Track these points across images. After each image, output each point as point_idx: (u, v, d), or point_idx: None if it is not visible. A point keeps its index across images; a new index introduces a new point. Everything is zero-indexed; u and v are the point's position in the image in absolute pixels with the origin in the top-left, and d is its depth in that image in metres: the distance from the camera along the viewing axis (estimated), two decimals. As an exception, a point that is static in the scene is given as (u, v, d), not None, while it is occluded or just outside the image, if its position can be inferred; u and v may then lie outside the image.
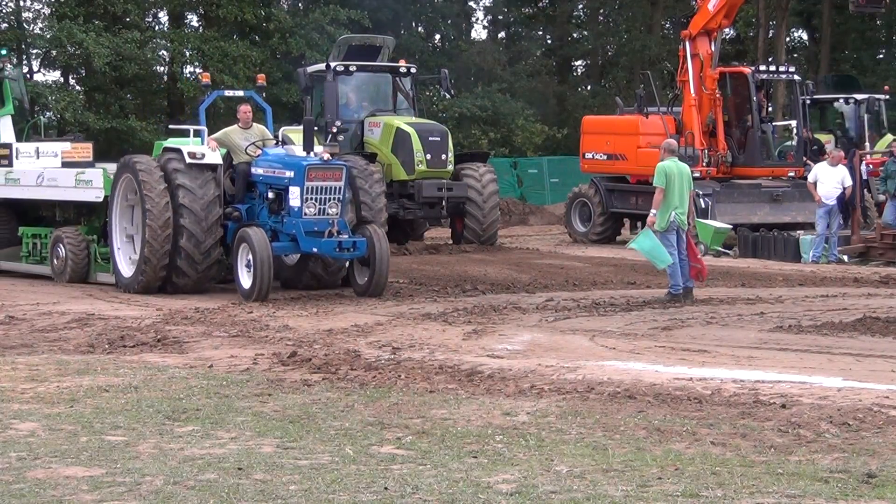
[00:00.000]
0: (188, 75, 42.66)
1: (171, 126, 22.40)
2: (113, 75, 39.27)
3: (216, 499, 7.28)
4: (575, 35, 55.65)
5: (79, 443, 8.77)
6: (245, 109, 18.93)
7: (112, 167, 20.23)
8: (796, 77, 29.39)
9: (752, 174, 27.87)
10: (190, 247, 18.15)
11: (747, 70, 28.54)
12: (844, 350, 12.99)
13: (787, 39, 51.56)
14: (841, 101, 33.13)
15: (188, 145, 18.72)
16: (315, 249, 17.72)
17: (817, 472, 7.79)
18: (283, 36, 41.12)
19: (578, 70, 58.63)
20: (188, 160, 18.32)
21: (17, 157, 22.64)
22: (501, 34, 56.79)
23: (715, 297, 17.77)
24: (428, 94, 41.01)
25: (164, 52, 42.01)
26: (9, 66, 25.18)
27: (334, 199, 17.77)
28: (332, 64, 26.66)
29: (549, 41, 55.70)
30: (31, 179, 21.69)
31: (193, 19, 45.71)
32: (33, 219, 22.51)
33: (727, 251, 25.13)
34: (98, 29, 37.81)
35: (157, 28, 44.05)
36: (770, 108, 32.26)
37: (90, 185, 20.24)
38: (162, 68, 43.22)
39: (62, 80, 42.37)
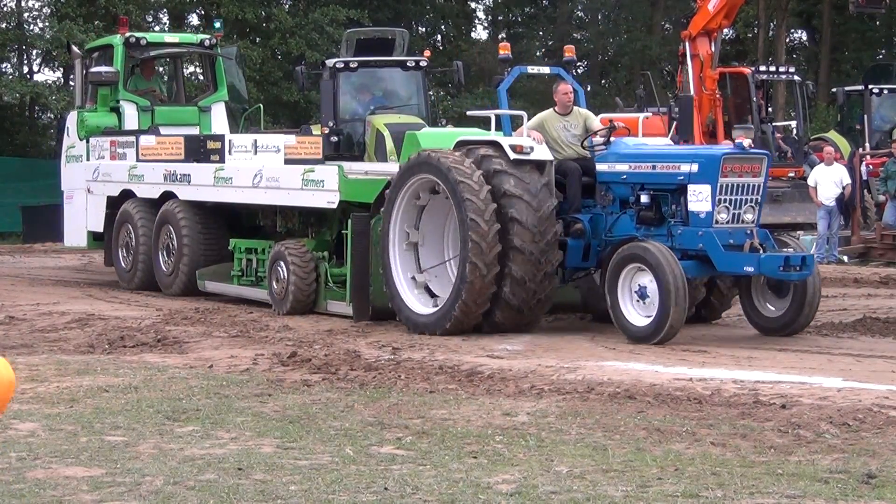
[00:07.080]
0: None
1: (469, 112, 18.56)
2: (114, 75, 39.20)
3: (216, 499, 7.28)
4: (575, 35, 55.61)
5: (79, 443, 8.77)
6: (566, 90, 14.85)
7: (348, 165, 17.09)
8: (796, 77, 29.37)
9: (752, 174, 27.84)
10: (522, 274, 13.89)
11: (747, 70, 28.50)
12: (844, 350, 13.00)
13: (787, 39, 51.51)
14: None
15: (495, 136, 14.70)
16: (750, 269, 13.36)
17: (817, 472, 7.79)
18: (284, 36, 41.16)
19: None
20: (512, 155, 14.11)
21: (230, 152, 18.70)
22: (502, 34, 56.77)
23: (715, 297, 17.76)
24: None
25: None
26: (229, 45, 21.09)
27: (752, 200, 13.68)
28: (331, 61, 26.31)
29: (549, 42, 55.68)
30: (246, 179, 17.40)
31: (194, 19, 45.73)
32: (248, 229, 18.33)
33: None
34: (99, 29, 37.78)
35: (157, 28, 44.03)
36: (770, 109, 32.21)
37: (321, 186, 16.06)
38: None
39: (62, 80, 42.35)
